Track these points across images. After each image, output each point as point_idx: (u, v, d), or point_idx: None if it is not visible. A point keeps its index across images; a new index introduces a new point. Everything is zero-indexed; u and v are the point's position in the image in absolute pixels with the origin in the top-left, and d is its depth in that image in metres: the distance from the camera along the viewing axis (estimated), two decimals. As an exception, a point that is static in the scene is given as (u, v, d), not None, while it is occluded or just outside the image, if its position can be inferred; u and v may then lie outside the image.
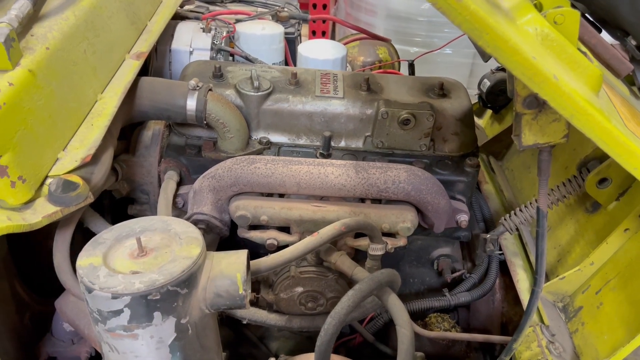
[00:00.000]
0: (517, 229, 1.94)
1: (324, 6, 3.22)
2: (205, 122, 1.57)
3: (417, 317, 1.76)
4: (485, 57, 2.17)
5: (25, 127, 1.13)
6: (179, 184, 1.65)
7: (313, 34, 3.15)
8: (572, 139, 1.19)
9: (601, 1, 1.27)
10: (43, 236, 1.39)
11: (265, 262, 1.28)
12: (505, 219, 1.77)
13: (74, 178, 1.17)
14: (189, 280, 1.10)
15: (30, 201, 1.13)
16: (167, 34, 1.96)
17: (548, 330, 1.50)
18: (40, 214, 1.12)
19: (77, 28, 1.35)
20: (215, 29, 2.00)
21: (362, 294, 1.20)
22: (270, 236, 1.54)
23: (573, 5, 1.13)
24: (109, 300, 1.05)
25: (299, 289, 1.44)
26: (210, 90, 1.58)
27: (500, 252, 1.83)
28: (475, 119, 2.48)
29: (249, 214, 1.52)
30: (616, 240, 1.51)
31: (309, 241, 1.29)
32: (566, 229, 1.78)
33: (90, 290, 1.06)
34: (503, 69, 2.39)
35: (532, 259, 1.85)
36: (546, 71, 0.94)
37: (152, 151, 1.66)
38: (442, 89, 1.76)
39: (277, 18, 2.15)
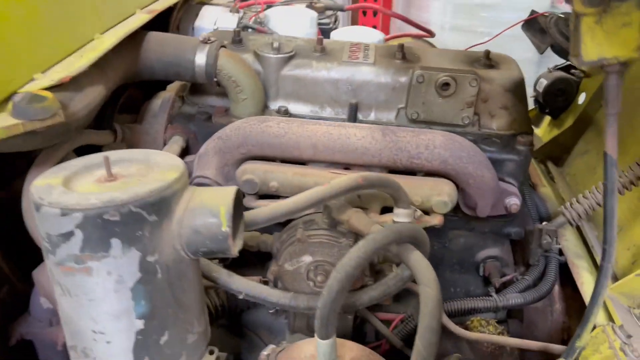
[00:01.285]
0: (580, 230, 1.65)
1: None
2: (215, 79, 1.41)
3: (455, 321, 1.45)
4: (541, 48, 1.96)
5: (-7, 30, 0.99)
6: (186, 151, 1.47)
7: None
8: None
9: None
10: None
11: (263, 212, 1.06)
12: (566, 207, 1.48)
13: (44, 93, 1.01)
14: (158, 206, 0.89)
15: (-8, 108, 0.98)
16: (192, 14, 1.85)
17: (622, 330, 1.18)
18: (0, 125, 0.95)
19: (78, -43, 1.24)
20: (244, 11, 1.89)
21: (377, 245, 0.95)
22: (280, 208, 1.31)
23: None
24: (57, 218, 0.85)
25: (307, 258, 1.19)
26: (223, 47, 1.43)
27: (561, 254, 1.53)
28: (533, 127, 2.24)
29: (257, 178, 1.31)
30: None
31: (318, 190, 1.07)
32: (641, 226, 1.47)
33: (38, 207, 0.87)
34: (562, 68, 2.15)
35: (598, 258, 1.54)
36: None
37: (160, 119, 1.51)
38: (489, 59, 1.54)
39: (311, 7, 2.02)
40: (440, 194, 1.30)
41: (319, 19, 1.98)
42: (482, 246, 1.57)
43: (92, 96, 1.16)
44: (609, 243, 1.04)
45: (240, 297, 1.19)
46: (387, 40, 2.11)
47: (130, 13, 1.43)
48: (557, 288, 1.52)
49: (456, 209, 1.50)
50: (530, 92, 2.14)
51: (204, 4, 1.93)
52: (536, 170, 1.96)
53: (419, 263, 0.98)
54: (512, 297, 1.42)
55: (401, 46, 1.54)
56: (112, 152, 0.99)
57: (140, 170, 0.97)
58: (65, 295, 0.92)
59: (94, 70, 1.20)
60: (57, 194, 0.88)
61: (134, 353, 0.94)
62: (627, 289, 1.31)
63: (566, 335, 1.49)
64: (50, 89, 1.04)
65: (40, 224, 0.88)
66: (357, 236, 1.20)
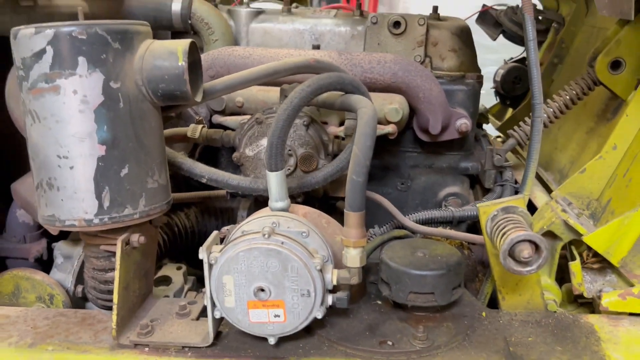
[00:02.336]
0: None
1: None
2: (190, 22, 1.57)
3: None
4: (494, 37, 2.16)
5: None
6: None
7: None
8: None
9: None
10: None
11: (221, 80, 1.16)
12: (514, 130, 1.59)
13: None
14: (122, 35, 1.01)
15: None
16: None
17: (564, 200, 1.24)
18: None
19: None
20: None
21: (320, 83, 1.05)
22: (245, 118, 1.42)
23: None
24: (32, 38, 0.97)
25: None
26: (198, -3, 1.61)
27: (516, 183, 1.60)
28: (497, 121, 2.38)
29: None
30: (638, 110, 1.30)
31: (272, 64, 1.18)
32: (590, 150, 1.56)
33: (15, 35, 0.99)
34: (517, 61, 2.33)
35: (552, 187, 1.61)
36: None
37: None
38: (437, 13, 1.72)
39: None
40: (392, 103, 1.41)
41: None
42: (442, 184, 1.65)
43: (74, 4, 1.31)
44: (536, 98, 1.14)
45: (203, 181, 1.26)
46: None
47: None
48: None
49: (415, 144, 1.61)
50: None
51: None
52: (497, 142, 2.07)
53: (359, 98, 1.07)
54: (468, 209, 1.48)
55: (359, 5, 1.72)
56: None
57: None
58: (35, 122, 1.01)
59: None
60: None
61: (95, 180, 1.01)
62: (574, 189, 1.37)
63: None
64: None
65: (17, 52, 0.99)
66: (312, 117, 1.30)
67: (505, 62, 2.31)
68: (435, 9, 1.72)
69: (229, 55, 1.45)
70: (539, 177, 1.71)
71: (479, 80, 1.59)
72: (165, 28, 1.63)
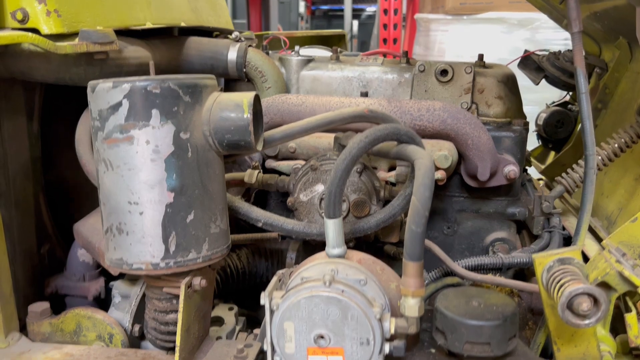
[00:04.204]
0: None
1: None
2: (244, 70, 1.64)
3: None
4: (536, 81, 2.18)
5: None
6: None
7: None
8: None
9: None
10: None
11: (279, 129, 1.21)
12: (562, 177, 1.59)
13: (105, 28, 1.24)
14: (192, 89, 1.07)
15: (62, 38, 1.20)
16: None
17: (617, 250, 1.23)
18: (67, 43, 1.17)
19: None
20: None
21: (377, 134, 1.08)
22: (297, 163, 1.47)
23: None
24: (109, 91, 1.03)
25: (320, 187, 1.30)
26: (251, 46, 1.68)
27: (564, 230, 1.60)
28: (539, 164, 2.39)
29: (277, 140, 1.48)
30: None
31: (327, 114, 1.22)
32: (639, 199, 1.56)
33: (94, 88, 1.06)
34: (559, 104, 2.35)
35: (601, 234, 1.60)
36: None
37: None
38: (482, 61, 1.75)
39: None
40: (441, 149, 1.44)
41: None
42: (489, 229, 1.66)
43: (141, 55, 1.39)
44: (589, 149, 1.16)
45: (259, 225, 1.30)
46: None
47: (175, 20, 1.71)
48: (564, 263, 1.56)
49: (461, 189, 1.63)
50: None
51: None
52: (540, 186, 2.08)
53: (415, 148, 1.10)
54: (518, 256, 1.48)
55: (406, 53, 1.77)
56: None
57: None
58: (108, 170, 1.07)
59: (145, 44, 1.44)
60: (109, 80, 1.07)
61: (163, 226, 1.06)
62: (625, 237, 1.36)
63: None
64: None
65: (94, 104, 1.06)
66: (364, 164, 1.33)
67: (547, 105, 2.33)
68: (481, 57, 1.76)
69: (283, 103, 1.50)
70: (586, 223, 1.70)
71: (526, 127, 1.61)
72: (221, 75, 1.71)
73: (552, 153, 2.36)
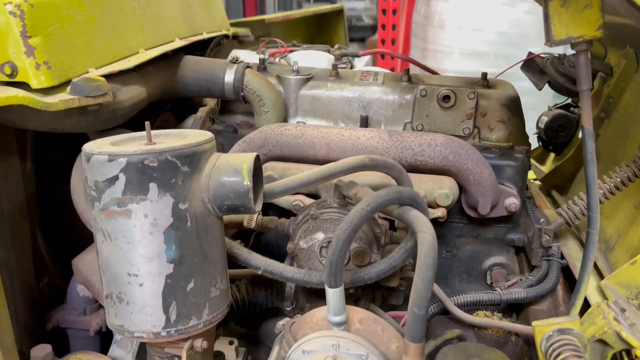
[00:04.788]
0: (579, 238, 1.74)
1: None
2: (242, 94, 1.59)
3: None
4: (539, 86, 2.13)
5: (60, 26, 1.19)
6: (213, 159, 1.63)
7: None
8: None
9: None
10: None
11: (279, 183, 1.19)
12: (563, 209, 1.59)
13: (97, 77, 1.19)
14: (191, 158, 1.04)
15: (53, 91, 1.16)
16: (222, 55, 2.08)
17: (615, 304, 1.24)
18: (59, 98, 1.13)
19: (129, -14, 1.47)
20: (268, 53, 2.11)
21: (380, 201, 1.07)
22: (297, 199, 1.45)
23: None
24: (105, 164, 1.00)
25: (320, 235, 1.30)
26: (249, 67, 1.63)
27: (563, 258, 1.61)
28: (538, 165, 2.37)
29: (276, 174, 1.45)
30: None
31: (328, 166, 1.20)
32: (638, 229, 1.56)
33: (89, 158, 1.02)
34: (562, 107, 2.31)
35: (600, 265, 1.61)
36: None
37: (192, 133, 1.68)
38: (486, 80, 1.71)
39: (329, 53, 2.24)
40: (442, 187, 1.43)
41: (336, 64, 2.18)
42: (487, 254, 1.66)
43: (135, 93, 1.35)
44: (593, 210, 1.15)
45: (259, 272, 1.29)
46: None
47: (169, 39, 1.65)
48: (561, 291, 1.58)
49: (461, 215, 1.61)
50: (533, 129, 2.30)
51: (233, 48, 2.16)
52: (541, 197, 2.07)
53: (418, 216, 1.09)
54: (516, 292, 1.49)
55: (407, 70, 1.72)
56: (154, 132, 1.15)
57: (176, 138, 1.13)
58: (106, 240, 1.05)
59: (138, 75, 1.39)
60: (106, 147, 1.03)
61: (163, 296, 1.05)
62: (624, 279, 1.37)
63: (572, 335, 1.53)
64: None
65: (90, 173, 1.03)
66: (365, 213, 1.32)
67: (549, 108, 2.29)
68: (485, 75, 1.71)
69: (281, 134, 1.47)
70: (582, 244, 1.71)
71: (528, 154, 1.58)
72: (218, 97, 1.66)
73: (552, 156, 2.34)
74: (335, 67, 1.75)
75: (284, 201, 1.47)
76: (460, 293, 1.68)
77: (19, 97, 1.08)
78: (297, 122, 1.66)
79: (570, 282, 1.60)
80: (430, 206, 1.45)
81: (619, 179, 1.49)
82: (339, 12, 3.54)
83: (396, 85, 1.68)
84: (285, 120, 1.67)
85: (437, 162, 1.44)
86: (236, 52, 2.08)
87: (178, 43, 1.63)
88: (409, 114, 1.65)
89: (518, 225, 1.65)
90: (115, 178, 1.00)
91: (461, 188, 1.49)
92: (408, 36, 4.78)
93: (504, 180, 1.56)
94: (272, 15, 2.75)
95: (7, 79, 1.12)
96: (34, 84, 1.13)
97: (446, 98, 1.58)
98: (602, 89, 2.09)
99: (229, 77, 1.59)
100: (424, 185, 1.43)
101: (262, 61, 1.76)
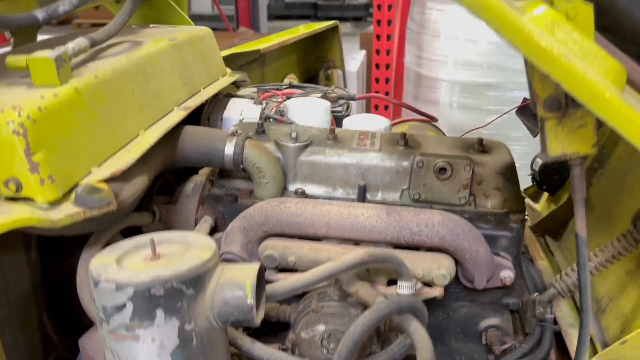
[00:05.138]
0: (573, 298, 1.78)
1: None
2: (241, 166, 1.61)
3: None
4: (535, 132, 2.15)
5: (63, 134, 1.21)
6: (214, 229, 1.66)
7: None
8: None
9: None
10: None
11: (281, 285, 1.23)
12: (556, 280, 1.63)
13: (100, 184, 1.21)
14: (195, 281, 1.07)
15: (58, 203, 1.18)
16: (220, 106, 2.09)
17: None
18: (64, 213, 1.15)
19: (127, 68, 1.48)
20: (266, 102, 2.12)
21: (380, 314, 1.11)
22: (297, 281, 1.48)
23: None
24: (113, 292, 1.03)
25: (321, 327, 1.34)
26: (248, 138, 1.65)
27: (556, 324, 1.65)
28: (532, 203, 2.40)
29: (276, 253, 1.49)
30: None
31: (329, 266, 1.24)
32: (629, 296, 1.60)
33: (97, 283, 1.05)
34: (556, 148, 2.33)
35: (592, 332, 1.66)
36: (556, 50, 0.92)
37: (192, 200, 1.71)
38: (482, 145, 1.73)
39: (326, 97, 2.25)
40: (439, 268, 1.46)
41: (333, 108, 2.19)
42: (483, 316, 1.70)
43: (138, 185, 1.37)
44: (585, 310, 1.19)
45: (263, 362, 1.33)
46: (393, 124, 2.33)
47: (169, 110, 1.66)
48: (553, 357, 1.63)
49: (458, 281, 1.65)
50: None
51: (230, 96, 2.16)
52: (535, 244, 2.11)
53: (417, 331, 1.13)
54: (509, 361, 1.54)
55: (403, 134, 1.74)
56: (155, 234, 1.18)
57: (179, 249, 1.16)
58: (115, 359, 1.08)
59: (140, 163, 1.41)
60: (112, 271, 1.06)
61: (171, 411, 1.09)
62: (614, 356, 1.42)
63: (564, 401, 1.60)
64: (105, 181, 1.25)
65: (97, 298, 1.06)
66: (364, 307, 1.36)
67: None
68: (480, 141, 1.74)
69: (282, 212, 1.50)
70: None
71: (522, 223, 1.62)
72: (218, 168, 1.68)
73: (545, 195, 2.37)
74: (332, 130, 1.76)
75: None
76: (457, 351, 1.74)
77: (26, 219, 1.10)
78: (296, 189, 1.69)
79: (563, 344, 1.66)
80: (427, 284, 1.49)
81: (610, 254, 1.53)
82: (334, 29, 3.52)
83: (393, 151, 1.70)
84: (284, 186, 1.70)
85: (434, 242, 1.47)
86: (234, 103, 2.09)
87: (178, 114, 1.64)
88: (405, 180, 1.68)
89: (513, 290, 1.69)
90: (123, 306, 1.03)
91: (457, 262, 1.53)
92: (402, 43, 4.77)
93: (499, 250, 1.60)
94: (268, 44, 2.75)
95: (12, 195, 1.14)
96: (39, 199, 1.15)
97: (442, 170, 1.60)
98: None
99: (229, 149, 1.60)
100: (422, 264, 1.47)
101: (261, 125, 1.77)
